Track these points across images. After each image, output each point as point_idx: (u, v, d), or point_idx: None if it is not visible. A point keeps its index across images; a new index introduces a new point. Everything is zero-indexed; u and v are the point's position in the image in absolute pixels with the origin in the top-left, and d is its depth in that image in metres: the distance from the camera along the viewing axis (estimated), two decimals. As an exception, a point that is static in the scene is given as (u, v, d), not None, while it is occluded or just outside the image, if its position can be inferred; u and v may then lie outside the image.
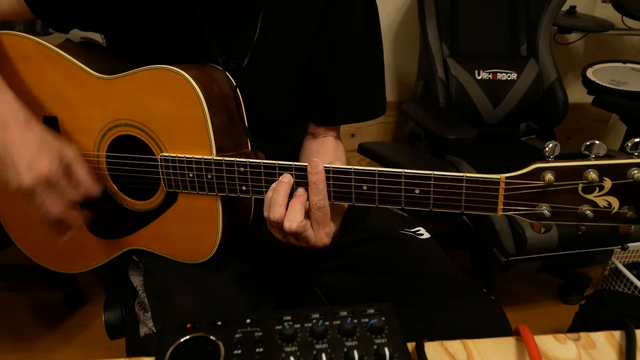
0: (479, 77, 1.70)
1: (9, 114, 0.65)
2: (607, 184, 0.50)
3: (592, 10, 2.09)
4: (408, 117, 1.66)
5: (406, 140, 1.90)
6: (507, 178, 0.53)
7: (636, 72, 1.88)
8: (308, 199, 0.62)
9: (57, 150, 0.65)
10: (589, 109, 1.94)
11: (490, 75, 1.71)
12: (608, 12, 1.96)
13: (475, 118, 1.71)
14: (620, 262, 1.68)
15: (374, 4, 0.80)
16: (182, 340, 0.46)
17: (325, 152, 0.86)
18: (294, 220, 0.61)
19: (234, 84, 0.72)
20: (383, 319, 0.47)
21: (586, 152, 0.50)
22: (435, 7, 1.67)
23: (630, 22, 1.97)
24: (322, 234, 0.63)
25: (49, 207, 0.65)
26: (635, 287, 1.59)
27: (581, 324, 1.44)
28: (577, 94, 2.05)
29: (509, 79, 1.72)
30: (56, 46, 0.74)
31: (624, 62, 1.95)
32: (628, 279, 1.62)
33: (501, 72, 1.72)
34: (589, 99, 1.80)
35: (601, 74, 1.85)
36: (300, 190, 0.62)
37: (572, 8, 1.95)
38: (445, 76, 1.68)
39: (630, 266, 1.67)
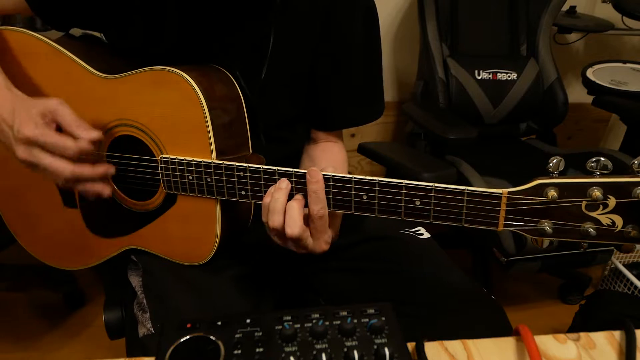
0: (479, 77, 1.70)
1: None
2: (612, 202, 0.50)
3: (592, 10, 2.09)
4: (408, 117, 1.66)
5: (406, 140, 1.90)
6: (509, 193, 0.53)
7: (636, 72, 1.88)
8: (306, 206, 0.62)
9: (34, 106, 0.63)
10: (589, 109, 1.93)
11: (490, 75, 1.71)
12: (608, 12, 1.96)
13: (475, 118, 1.71)
14: (620, 262, 1.68)
15: (374, 11, 0.80)
16: (182, 340, 0.46)
17: (327, 158, 0.86)
18: (294, 225, 0.60)
19: (238, 88, 0.72)
20: (383, 319, 0.47)
21: (592, 168, 0.50)
22: (435, 7, 1.67)
23: (630, 22, 1.97)
24: (322, 242, 0.63)
25: (55, 169, 0.61)
26: (635, 287, 1.59)
27: (581, 324, 1.44)
28: (577, 94, 2.05)
29: (509, 79, 1.72)
30: (56, 40, 0.73)
31: (624, 62, 1.95)
32: (628, 279, 1.61)
33: (501, 72, 1.72)
34: (589, 99, 1.80)
35: (601, 74, 1.85)
36: (299, 196, 0.62)
37: (572, 8, 1.95)
38: (445, 76, 1.68)
39: (630, 266, 1.67)
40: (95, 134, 0.64)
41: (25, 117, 0.62)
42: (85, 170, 0.64)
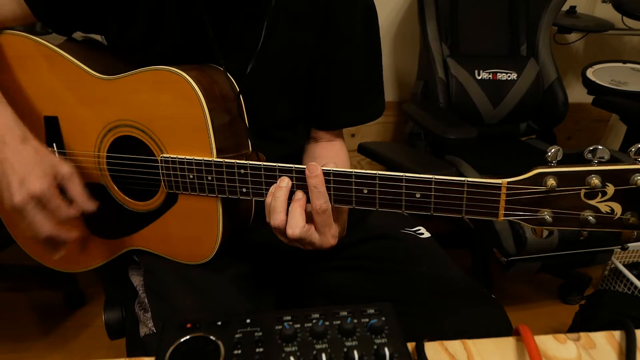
0: (479, 77, 1.70)
1: (5, 128, 0.65)
2: (610, 189, 0.50)
3: (592, 10, 2.09)
4: (408, 117, 1.67)
5: (406, 140, 1.90)
6: (508, 183, 0.53)
7: (636, 72, 1.89)
8: (308, 202, 0.62)
9: (51, 166, 0.65)
10: (589, 109, 1.94)
11: (490, 75, 1.71)
12: (608, 12, 1.96)
13: (475, 118, 1.71)
14: (620, 262, 1.68)
15: (373, 10, 0.80)
16: (182, 340, 0.46)
17: (328, 156, 0.86)
18: (295, 226, 0.60)
19: (236, 87, 0.72)
20: (383, 319, 0.47)
21: (589, 157, 0.50)
22: (435, 7, 1.67)
23: (630, 22, 1.97)
24: (328, 236, 0.63)
25: (38, 226, 0.64)
26: (635, 287, 1.59)
27: (581, 324, 1.44)
28: (577, 94, 2.05)
29: (509, 79, 1.73)
30: (57, 45, 0.74)
31: (624, 62, 1.95)
32: (628, 279, 1.62)
33: (501, 72, 1.72)
34: (589, 99, 1.80)
35: (601, 74, 1.85)
36: (299, 194, 0.62)
37: (572, 8, 1.95)
38: (445, 76, 1.68)
39: (630, 266, 1.67)
40: (90, 208, 0.68)
41: (36, 172, 0.64)
42: (62, 234, 0.67)
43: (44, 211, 0.64)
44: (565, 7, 1.87)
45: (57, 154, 0.71)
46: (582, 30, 1.93)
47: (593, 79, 1.82)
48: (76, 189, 0.67)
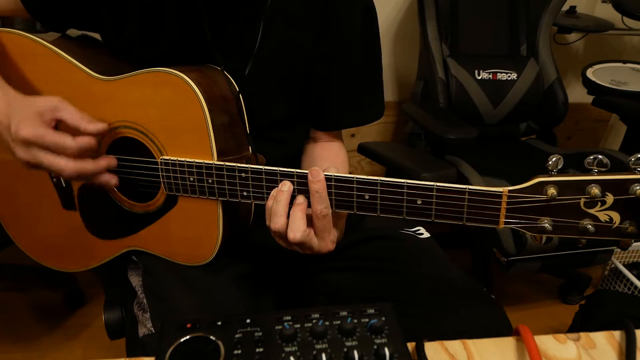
0: (479, 77, 1.70)
1: None
2: (609, 199, 0.50)
3: (592, 10, 2.09)
4: (408, 117, 1.67)
5: (406, 140, 1.90)
6: (509, 191, 0.53)
7: (636, 72, 1.89)
8: (309, 206, 0.61)
9: (34, 108, 0.63)
10: (589, 109, 1.94)
11: (490, 75, 1.71)
12: (608, 12, 1.96)
13: (475, 118, 1.71)
14: (620, 262, 1.68)
15: (372, 10, 0.80)
16: (182, 340, 0.46)
17: (327, 157, 0.86)
18: (297, 230, 0.60)
19: (236, 87, 0.72)
20: (383, 319, 0.48)
21: (589, 166, 0.50)
22: (435, 7, 1.67)
23: (630, 22, 1.97)
24: (327, 241, 0.63)
25: (57, 168, 0.62)
26: (635, 287, 1.59)
27: (581, 324, 1.44)
28: (577, 94, 2.05)
29: (509, 79, 1.73)
30: (52, 41, 0.73)
31: (624, 62, 1.95)
32: (628, 279, 1.62)
33: (501, 72, 1.72)
34: (589, 99, 1.80)
35: (601, 74, 1.85)
36: (300, 198, 0.61)
37: (572, 8, 1.95)
38: (445, 76, 1.68)
39: (630, 266, 1.67)
40: (100, 126, 0.65)
41: (22, 118, 0.62)
42: (88, 165, 0.65)
43: (51, 152, 0.62)
44: (565, 7, 1.87)
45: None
46: (582, 30, 1.93)
47: (593, 79, 1.82)
48: (71, 115, 0.64)
